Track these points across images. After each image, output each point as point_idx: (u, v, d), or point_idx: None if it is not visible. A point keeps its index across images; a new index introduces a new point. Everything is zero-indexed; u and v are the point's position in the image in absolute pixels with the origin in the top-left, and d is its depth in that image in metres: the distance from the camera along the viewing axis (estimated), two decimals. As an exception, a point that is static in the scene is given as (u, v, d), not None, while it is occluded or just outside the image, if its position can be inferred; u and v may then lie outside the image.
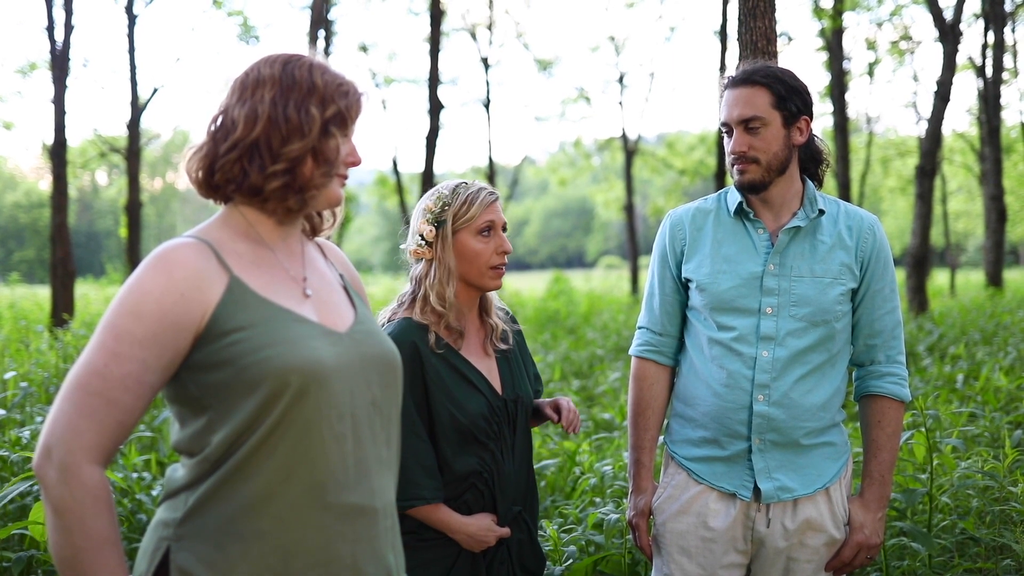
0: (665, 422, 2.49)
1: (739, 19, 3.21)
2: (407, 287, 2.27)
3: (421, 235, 2.21)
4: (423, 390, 2.12)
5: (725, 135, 2.30)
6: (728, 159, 2.29)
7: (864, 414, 2.35)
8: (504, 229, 2.26)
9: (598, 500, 3.60)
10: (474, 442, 2.15)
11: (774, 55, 3.18)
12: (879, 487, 2.29)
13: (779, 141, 2.23)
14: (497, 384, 2.24)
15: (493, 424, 2.18)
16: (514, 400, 2.25)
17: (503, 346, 2.31)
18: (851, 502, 2.31)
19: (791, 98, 2.23)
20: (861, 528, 2.27)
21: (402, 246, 2.31)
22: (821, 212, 2.28)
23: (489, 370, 2.24)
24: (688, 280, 2.35)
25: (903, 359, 2.34)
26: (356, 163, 1.58)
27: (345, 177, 1.58)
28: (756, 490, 2.24)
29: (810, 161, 2.37)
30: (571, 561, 3.05)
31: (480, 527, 2.14)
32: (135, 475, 3.57)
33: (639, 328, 2.48)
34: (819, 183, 2.40)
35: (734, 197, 2.33)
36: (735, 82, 2.26)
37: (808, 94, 2.27)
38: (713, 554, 2.26)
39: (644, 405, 2.42)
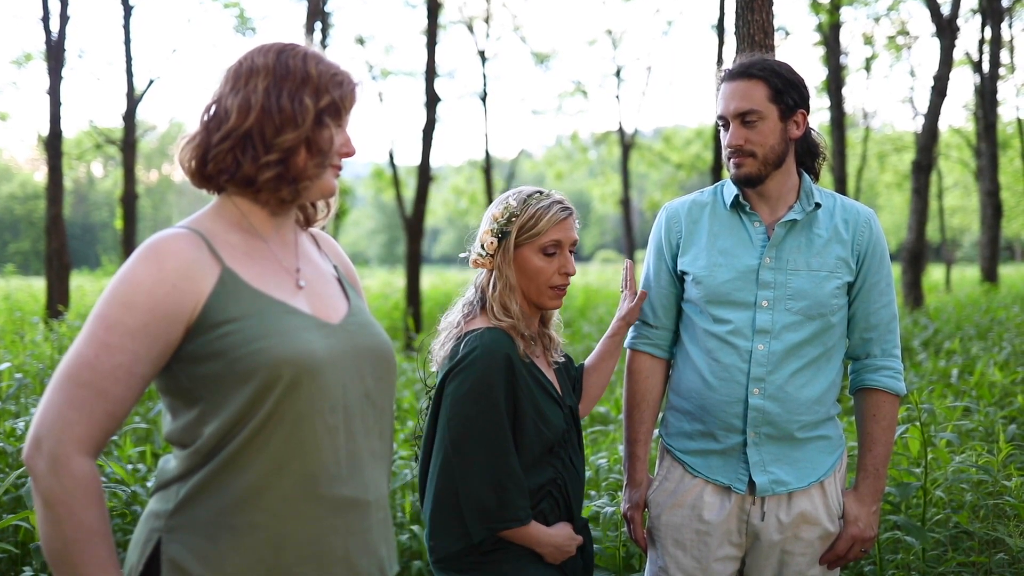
0: (660, 415, 2.49)
1: (736, 13, 3.20)
2: (469, 292, 2.20)
3: (482, 245, 2.13)
4: (514, 403, 2.04)
5: (722, 128, 2.29)
6: (725, 152, 2.28)
7: (859, 408, 2.35)
8: (573, 247, 2.17)
9: (593, 493, 3.61)
10: (549, 452, 2.10)
11: (771, 49, 3.17)
12: (874, 480, 2.29)
13: (776, 135, 2.23)
14: (560, 391, 2.21)
15: (566, 432, 2.15)
16: (573, 407, 2.23)
17: (560, 359, 2.28)
18: (846, 495, 2.31)
19: (788, 91, 2.22)
20: (855, 521, 2.28)
21: (463, 255, 2.21)
22: (817, 206, 2.27)
23: (553, 379, 2.22)
24: (684, 273, 2.34)
25: (899, 353, 2.34)
26: (350, 153, 1.58)
27: (339, 167, 1.58)
28: (751, 483, 2.24)
29: (807, 155, 2.36)
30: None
31: (564, 537, 2.09)
32: (130, 467, 3.57)
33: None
34: (815, 176, 2.39)
35: (730, 190, 2.32)
36: (732, 75, 2.25)
37: (805, 87, 2.26)
38: (707, 547, 2.27)
39: (639, 398, 2.42)
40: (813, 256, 2.24)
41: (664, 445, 2.41)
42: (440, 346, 2.15)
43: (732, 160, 2.25)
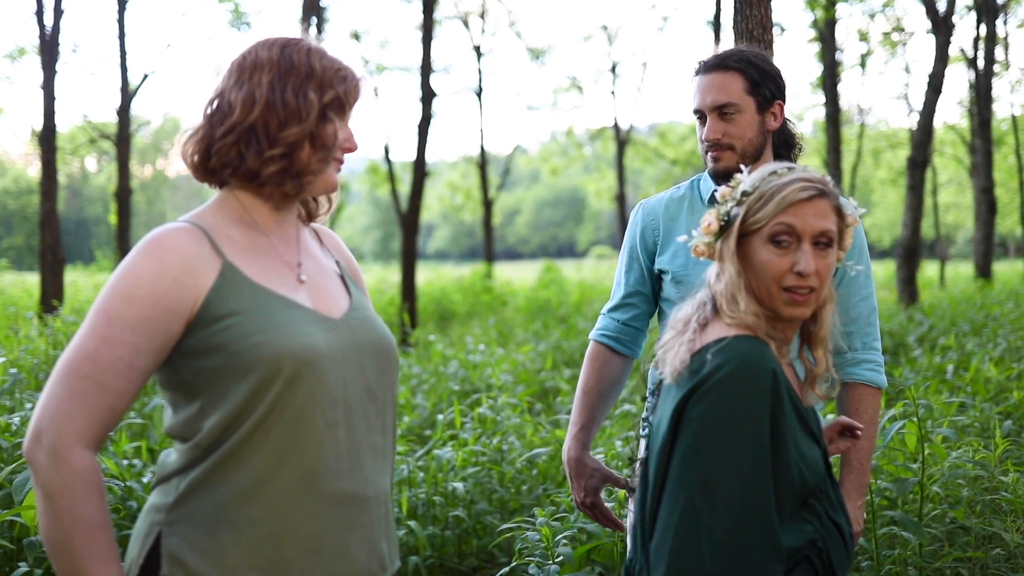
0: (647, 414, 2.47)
1: (734, 7, 3.20)
2: (700, 293, 1.74)
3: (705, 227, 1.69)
4: (773, 434, 1.54)
5: (698, 122, 2.26)
6: (701, 146, 2.24)
7: (841, 402, 2.31)
8: (826, 240, 1.62)
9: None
10: (804, 504, 1.63)
11: (769, 44, 3.16)
12: (858, 475, 2.25)
13: (753, 127, 2.19)
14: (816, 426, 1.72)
15: (823, 481, 1.68)
16: (826, 450, 1.75)
17: (824, 393, 1.73)
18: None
19: (765, 83, 2.18)
20: (844, 517, 2.26)
21: (681, 239, 1.84)
22: None
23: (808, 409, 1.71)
24: (662, 272, 2.30)
25: (879, 345, 2.30)
26: (353, 149, 1.57)
27: (341, 162, 1.58)
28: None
29: (783, 146, 2.32)
30: (562, 559, 3.00)
31: None
32: (125, 462, 3.56)
33: (602, 314, 2.44)
34: None
35: (708, 184, 2.29)
36: (707, 67, 2.21)
37: (781, 78, 2.23)
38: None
39: (590, 385, 2.37)
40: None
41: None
42: (671, 351, 1.67)
43: (710, 154, 2.21)
